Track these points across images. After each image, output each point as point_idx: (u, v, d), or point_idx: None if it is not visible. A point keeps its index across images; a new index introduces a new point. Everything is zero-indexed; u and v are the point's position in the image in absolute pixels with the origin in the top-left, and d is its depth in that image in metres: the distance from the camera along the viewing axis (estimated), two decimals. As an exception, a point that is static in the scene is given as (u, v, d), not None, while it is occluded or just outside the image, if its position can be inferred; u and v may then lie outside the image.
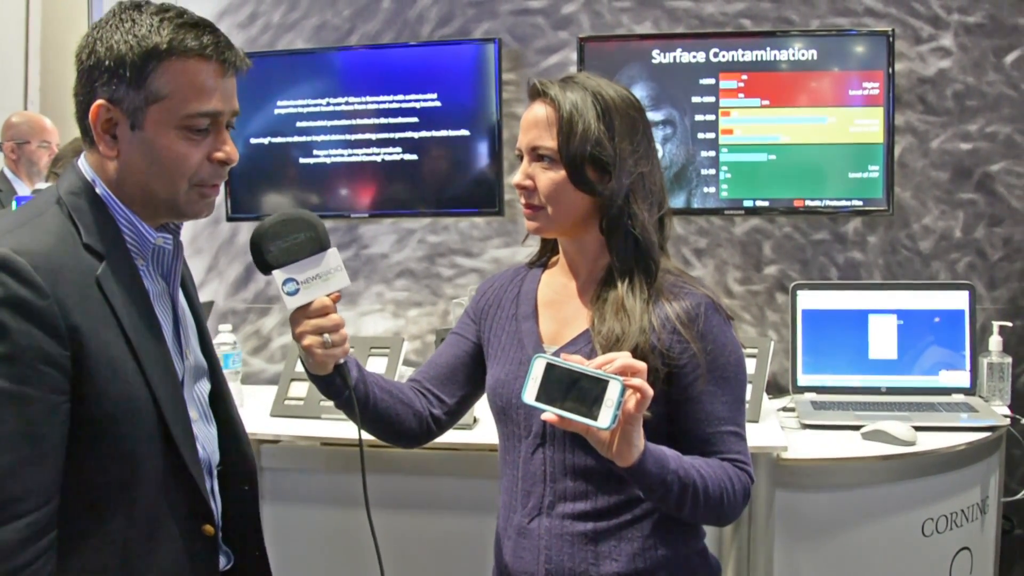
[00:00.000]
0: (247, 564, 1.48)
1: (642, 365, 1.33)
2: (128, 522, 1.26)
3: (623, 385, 1.29)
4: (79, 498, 1.22)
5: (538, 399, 1.33)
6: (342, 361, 1.48)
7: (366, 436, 1.68)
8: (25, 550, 1.15)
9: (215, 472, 1.43)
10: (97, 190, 1.30)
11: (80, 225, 1.27)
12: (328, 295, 1.43)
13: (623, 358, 1.32)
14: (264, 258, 1.41)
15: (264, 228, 1.42)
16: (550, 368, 1.33)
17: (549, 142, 1.52)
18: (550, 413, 1.32)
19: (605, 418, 1.29)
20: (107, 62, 1.25)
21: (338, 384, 1.50)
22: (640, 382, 1.31)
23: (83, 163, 1.33)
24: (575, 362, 1.32)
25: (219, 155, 1.32)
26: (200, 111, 1.28)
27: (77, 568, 1.23)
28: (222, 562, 1.44)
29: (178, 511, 1.32)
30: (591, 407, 1.30)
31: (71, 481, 1.20)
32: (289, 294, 1.40)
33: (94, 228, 1.27)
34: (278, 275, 1.40)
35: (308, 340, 1.42)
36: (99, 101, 1.26)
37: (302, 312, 1.42)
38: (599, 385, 1.30)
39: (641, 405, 1.32)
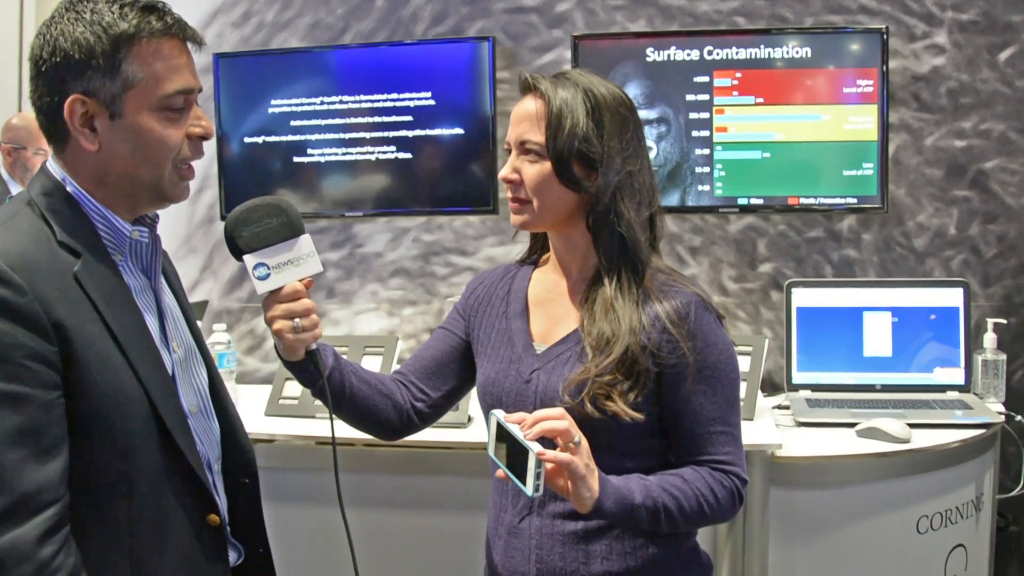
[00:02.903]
0: (251, 560, 1.48)
1: (564, 426, 1.35)
2: (132, 517, 1.26)
3: (537, 457, 1.31)
4: (80, 495, 1.22)
5: (496, 453, 1.40)
6: (314, 347, 1.48)
7: (359, 434, 1.68)
8: (44, 546, 1.15)
9: (215, 467, 1.43)
10: (68, 189, 1.30)
11: (54, 224, 1.27)
12: (300, 280, 1.43)
13: (544, 422, 1.35)
14: (235, 243, 1.41)
15: (237, 214, 1.42)
16: (499, 426, 1.38)
17: (537, 136, 1.51)
18: (502, 471, 1.39)
19: (530, 485, 1.33)
20: (76, 55, 1.24)
21: (311, 371, 1.50)
22: (553, 455, 1.33)
23: (52, 164, 1.32)
24: (517, 421, 1.36)
25: (197, 130, 1.33)
26: (175, 90, 1.29)
27: (86, 565, 1.22)
28: (232, 557, 1.44)
29: (182, 503, 1.32)
30: (524, 470, 1.34)
31: (71, 479, 1.20)
32: (259, 278, 1.41)
33: (68, 226, 1.27)
34: (249, 260, 1.41)
35: (278, 324, 1.43)
36: (73, 96, 1.25)
37: (274, 297, 1.43)
38: (525, 451, 1.33)
39: (562, 474, 1.35)
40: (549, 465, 1.34)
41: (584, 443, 1.37)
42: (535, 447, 1.31)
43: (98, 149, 1.28)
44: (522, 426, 1.35)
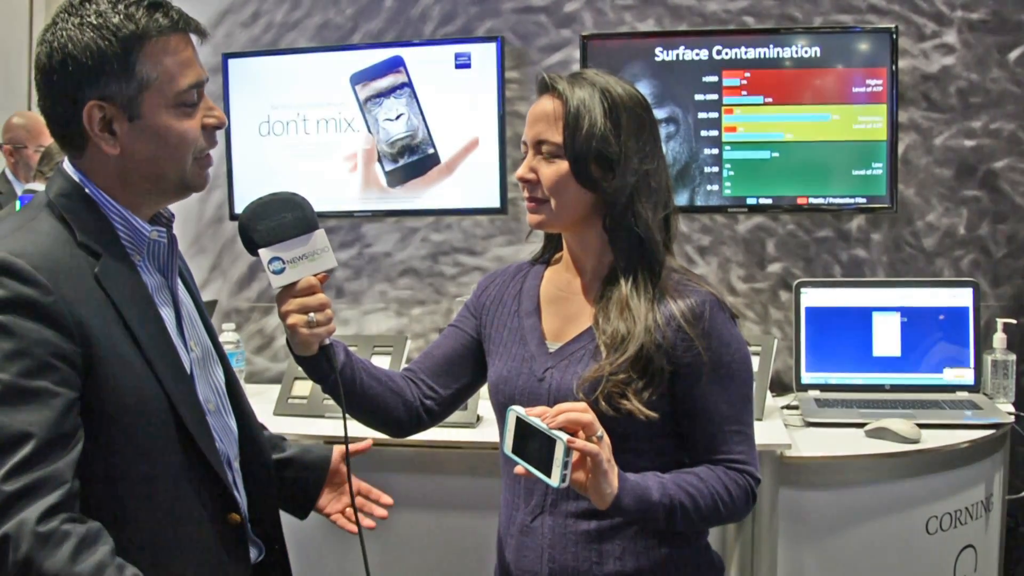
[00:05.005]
0: (269, 557, 1.48)
1: (589, 418, 1.34)
2: (152, 517, 1.26)
3: (566, 445, 1.30)
4: (100, 496, 1.22)
5: (514, 450, 1.38)
6: (328, 342, 1.48)
7: (368, 432, 1.69)
8: (45, 522, 1.13)
9: (235, 465, 1.43)
10: (87, 190, 1.30)
11: (73, 225, 1.27)
12: (315, 275, 1.43)
13: (569, 413, 1.34)
14: (251, 237, 1.41)
15: (252, 208, 1.42)
16: (520, 421, 1.37)
17: (555, 136, 1.51)
18: (521, 467, 1.37)
19: (555, 476, 1.31)
20: (88, 62, 1.24)
21: (324, 367, 1.50)
22: (582, 444, 1.32)
23: (68, 165, 1.32)
24: (538, 415, 1.35)
25: (212, 120, 1.34)
26: (189, 84, 1.29)
27: None
28: (253, 554, 1.44)
29: (202, 502, 1.32)
30: (548, 463, 1.32)
31: (91, 479, 1.20)
32: (275, 272, 1.41)
33: (88, 227, 1.28)
34: (264, 254, 1.41)
35: (293, 319, 1.42)
36: (91, 102, 1.25)
37: (288, 291, 1.42)
38: (550, 442, 1.32)
39: (582, 469, 1.34)
40: (575, 456, 1.33)
41: (606, 438, 1.37)
42: (563, 436, 1.30)
43: (120, 152, 1.28)
44: (544, 418, 1.34)
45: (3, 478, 1.12)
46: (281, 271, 1.41)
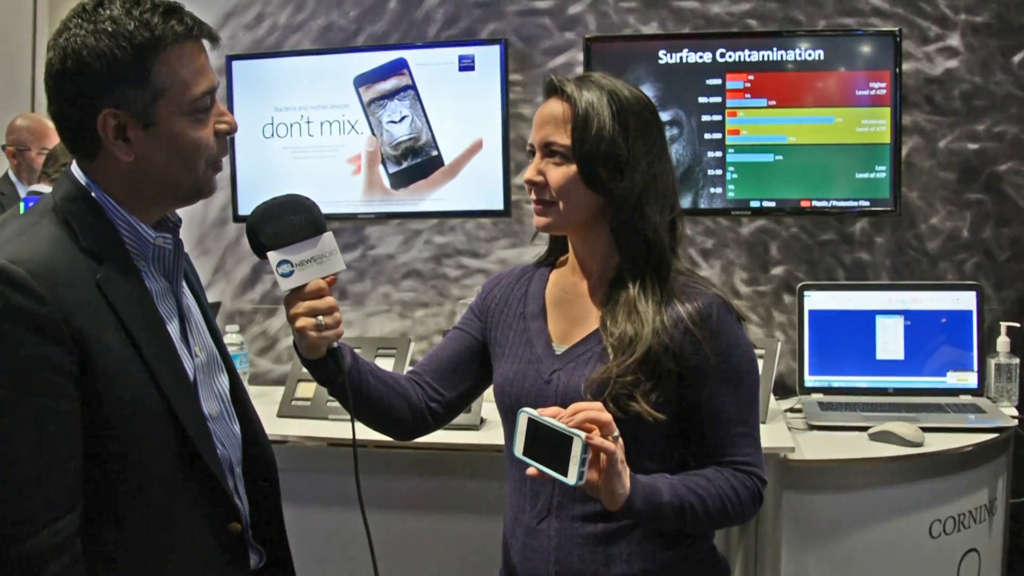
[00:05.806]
0: (272, 563, 1.48)
1: (607, 417, 1.34)
2: (148, 525, 1.26)
3: (584, 442, 1.30)
4: (96, 503, 1.22)
5: (525, 453, 1.37)
6: (335, 345, 1.48)
7: (372, 435, 1.69)
8: (55, 558, 1.15)
9: (237, 470, 1.42)
10: (93, 194, 1.29)
11: (77, 230, 1.26)
12: (323, 278, 1.42)
13: (587, 412, 1.33)
14: (259, 240, 1.41)
15: (260, 210, 1.42)
16: (531, 422, 1.36)
17: (563, 139, 1.51)
18: (533, 467, 1.36)
19: (572, 474, 1.31)
20: (103, 69, 1.23)
21: (331, 369, 1.50)
22: (600, 442, 1.31)
23: (76, 169, 1.32)
24: (552, 415, 1.34)
25: (223, 127, 1.34)
26: (203, 91, 1.29)
27: (100, 574, 1.22)
28: (253, 560, 1.43)
29: (201, 512, 1.31)
30: (563, 462, 1.32)
31: (87, 486, 1.20)
32: (283, 275, 1.40)
33: (92, 232, 1.27)
34: (272, 257, 1.40)
35: (301, 322, 1.42)
36: (105, 110, 1.24)
37: (297, 294, 1.42)
38: (566, 440, 1.32)
39: (594, 468, 1.34)
40: (590, 454, 1.32)
41: (621, 439, 1.36)
42: (582, 433, 1.30)
43: (134, 160, 1.27)
44: (560, 417, 1.33)
45: (29, 531, 1.14)
46: (290, 274, 1.41)
